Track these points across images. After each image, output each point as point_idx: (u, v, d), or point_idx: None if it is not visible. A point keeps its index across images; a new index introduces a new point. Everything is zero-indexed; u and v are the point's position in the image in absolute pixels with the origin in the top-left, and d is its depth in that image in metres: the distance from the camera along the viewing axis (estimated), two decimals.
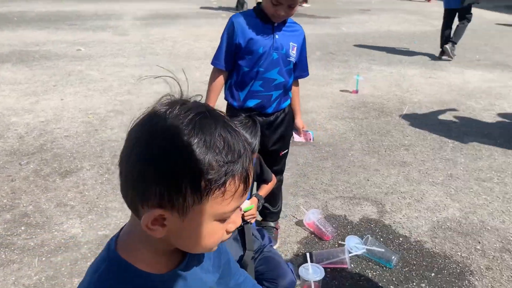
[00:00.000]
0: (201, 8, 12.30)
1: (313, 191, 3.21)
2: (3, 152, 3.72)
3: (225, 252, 0.95)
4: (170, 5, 12.47)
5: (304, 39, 2.35)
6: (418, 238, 2.71)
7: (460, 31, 6.79)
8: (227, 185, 0.68)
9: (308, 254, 2.28)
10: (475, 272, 2.43)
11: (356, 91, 5.35)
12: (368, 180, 3.37)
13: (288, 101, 2.42)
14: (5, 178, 3.32)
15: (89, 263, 2.27)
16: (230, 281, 0.97)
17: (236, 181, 0.69)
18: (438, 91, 5.46)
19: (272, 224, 2.66)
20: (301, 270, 2.16)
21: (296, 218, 2.89)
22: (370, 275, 2.40)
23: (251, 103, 2.27)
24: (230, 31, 2.21)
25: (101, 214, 2.92)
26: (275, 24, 2.20)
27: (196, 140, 0.66)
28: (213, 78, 2.30)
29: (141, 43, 7.93)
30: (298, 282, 2.15)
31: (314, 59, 6.99)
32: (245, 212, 1.96)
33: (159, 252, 0.76)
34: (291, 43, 2.26)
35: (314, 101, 5.07)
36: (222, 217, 0.72)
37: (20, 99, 4.99)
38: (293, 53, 2.28)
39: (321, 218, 2.78)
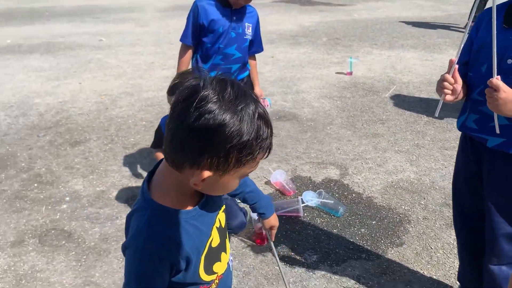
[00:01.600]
0: None
1: (287, 157, 3.61)
2: (25, 127, 4.30)
3: None
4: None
5: (257, 19, 2.76)
6: (369, 195, 3.07)
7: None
8: (259, 155, 0.91)
9: None
10: (412, 221, 2.78)
11: (350, 73, 5.66)
12: (339, 149, 3.73)
13: (245, 74, 2.83)
14: (25, 147, 3.88)
15: (85, 211, 2.79)
16: None
17: (265, 151, 0.91)
18: (429, 72, 5.69)
19: None
20: (252, 212, 2.58)
21: (266, 179, 3.29)
22: (318, 222, 2.79)
23: (213, 74, 2.69)
24: (195, 13, 2.65)
25: (101, 174, 3.42)
26: (233, 8, 2.62)
27: (246, 125, 0.85)
28: (182, 53, 2.75)
29: (159, 34, 8.45)
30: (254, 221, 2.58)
31: (319, 45, 7.31)
32: None
33: (187, 195, 0.99)
34: (246, 24, 2.68)
35: (308, 83, 5.42)
36: (246, 175, 1.02)
37: (44, 84, 5.59)
38: (249, 32, 2.69)
39: (286, 178, 3.18)
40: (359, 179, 3.27)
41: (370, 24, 8.71)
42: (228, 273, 1.19)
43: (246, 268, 2.42)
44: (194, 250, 1.01)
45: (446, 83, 1.58)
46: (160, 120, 2.65)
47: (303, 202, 2.88)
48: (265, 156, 0.95)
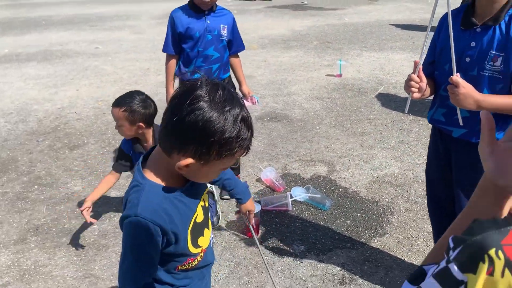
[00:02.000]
0: None
1: (277, 156, 3.76)
2: (24, 132, 4.44)
3: None
4: None
5: (233, 19, 2.94)
6: (355, 189, 3.22)
7: None
8: (238, 153, 1.06)
9: None
10: (395, 213, 2.93)
11: (340, 75, 5.83)
12: (327, 147, 3.89)
13: (227, 75, 2.99)
14: (25, 152, 4.02)
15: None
16: None
17: (243, 150, 1.06)
18: None
19: None
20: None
21: (257, 176, 3.44)
22: (306, 215, 2.94)
23: (196, 76, 2.86)
24: (171, 23, 2.84)
25: (99, 175, 3.56)
26: (206, 12, 2.80)
27: (229, 124, 0.99)
28: (167, 62, 2.94)
29: (154, 40, 8.61)
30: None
31: (310, 48, 7.49)
32: None
33: (176, 176, 1.11)
34: (221, 25, 2.85)
35: (299, 85, 5.59)
36: (226, 168, 1.18)
37: (41, 91, 5.74)
38: (224, 32, 2.87)
39: (276, 175, 3.33)
40: (346, 175, 3.42)
41: (360, 28, 8.90)
42: (210, 248, 1.34)
43: (238, 259, 2.56)
44: (182, 223, 1.16)
45: (412, 82, 1.74)
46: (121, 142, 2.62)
47: (291, 197, 3.03)
48: (243, 154, 1.11)
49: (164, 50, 2.92)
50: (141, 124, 2.30)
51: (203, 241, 1.28)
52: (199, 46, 2.81)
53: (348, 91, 5.27)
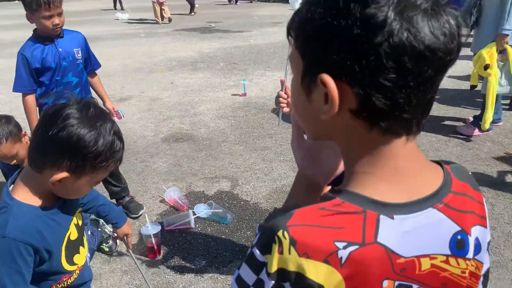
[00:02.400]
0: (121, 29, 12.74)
1: (183, 176, 3.81)
2: None
3: None
4: (94, 29, 12.74)
5: (84, 40, 2.90)
6: (256, 201, 3.36)
7: None
8: (111, 164, 1.16)
9: (146, 215, 2.86)
10: None
11: (244, 94, 6.04)
12: (231, 163, 4.01)
13: (90, 95, 2.97)
14: None
15: None
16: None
17: (116, 161, 1.18)
18: None
19: (127, 198, 3.20)
20: (142, 229, 2.73)
21: (161, 197, 3.46)
22: (209, 230, 3.01)
23: (63, 101, 2.82)
24: (24, 62, 2.65)
25: None
26: (55, 41, 2.70)
27: (102, 138, 1.09)
28: (26, 102, 2.75)
29: None
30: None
31: (217, 70, 7.67)
32: None
33: (47, 195, 1.19)
34: (74, 49, 2.80)
35: (205, 105, 5.70)
36: (99, 181, 1.22)
37: None
38: (79, 56, 2.82)
39: (180, 194, 3.37)
40: (247, 188, 3.56)
41: (264, 49, 9.30)
42: (86, 266, 1.37)
43: (138, 281, 2.55)
44: (54, 240, 1.18)
45: (281, 99, 1.91)
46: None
47: (194, 214, 3.08)
48: (117, 165, 1.20)
49: (18, 90, 2.74)
50: (22, 132, 2.28)
51: (79, 259, 1.30)
52: (57, 76, 2.71)
53: (252, 109, 5.49)
